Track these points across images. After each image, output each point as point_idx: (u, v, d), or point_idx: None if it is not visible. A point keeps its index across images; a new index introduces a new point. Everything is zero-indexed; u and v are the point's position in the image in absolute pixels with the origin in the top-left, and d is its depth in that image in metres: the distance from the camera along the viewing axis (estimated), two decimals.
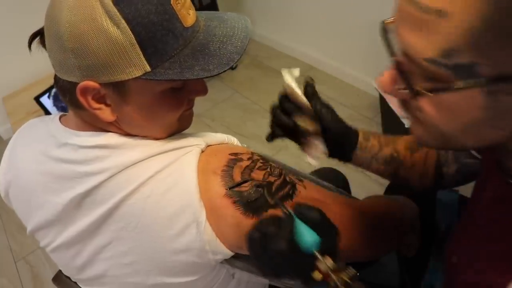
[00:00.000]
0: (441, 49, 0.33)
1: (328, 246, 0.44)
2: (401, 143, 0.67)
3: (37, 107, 1.89)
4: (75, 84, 0.49)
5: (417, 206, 0.74)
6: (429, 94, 0.36)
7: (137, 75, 0.48)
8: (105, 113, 0.51)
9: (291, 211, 0.45)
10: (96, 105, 0.50)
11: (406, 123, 1.37)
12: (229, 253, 0.53)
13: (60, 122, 0.58)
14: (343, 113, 2.39)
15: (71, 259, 0.59)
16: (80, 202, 0.53)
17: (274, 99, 0.73)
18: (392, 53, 0.39)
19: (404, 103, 0.42)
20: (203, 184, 0.50)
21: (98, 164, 0.51)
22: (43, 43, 0.52)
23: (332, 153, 0.68)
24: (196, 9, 0.53)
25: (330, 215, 0.56)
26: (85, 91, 0.49)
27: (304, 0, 2.23)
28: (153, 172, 0.50)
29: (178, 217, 0.50)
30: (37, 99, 1.88)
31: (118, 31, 0.45)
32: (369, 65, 2.04)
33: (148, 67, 0.47)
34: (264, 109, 2.24)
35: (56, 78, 0.52)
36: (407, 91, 0.38)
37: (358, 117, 2.04)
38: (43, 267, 1.71)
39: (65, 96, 0.52)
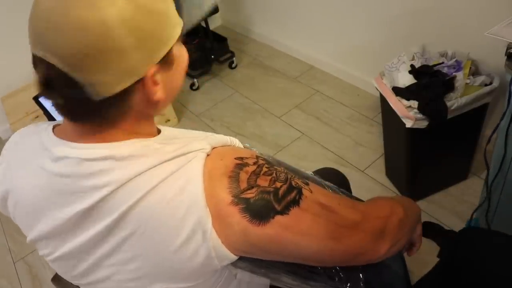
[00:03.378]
0: None
1: None
2: None
3: (36, 107, 1.87)
4: (134, 85, 0.48)
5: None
6: None
7: (179, 33, 0.51)
8: (159, 92, 0.51)
9: None
10: (156, 88, 0.51)
11: (407, 123, 1.37)
12: (234, 258, 0.53)
13: (54, 133, 0.56)
14: (343, 113, 2.38)
15: (72, 267, 0.58)
16: (84, 215, 0.52)
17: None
18: None
19: None
20: (209, 191, 0.50)
21: (103, 177, 0.50)
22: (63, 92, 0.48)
23: None
24: None
25: (335, 219, 0.56)
26: (154, 78, 0.49)
27: (305, 0, 2.23)
28: (158, 181, 0.50)
29: (184, 225, 0.50)
30: (36, 99, 1.86)
31: (161, 1, 0.47)
32: (369, 65, 2.04)
33: (181, 20, 0.50)
34: (264, 109, 2.24)
35: (71, 100, 0.49)
36: None
37: (358, 117, 2.04)
38: (42, 267, 1.70)
39: (90, 111, 0.49)
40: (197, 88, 2.52)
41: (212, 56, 2.47)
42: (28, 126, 0.62)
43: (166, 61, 0.50)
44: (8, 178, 0.59)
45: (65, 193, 0.52)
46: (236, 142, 0.62)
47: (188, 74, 2.57)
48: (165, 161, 0.51)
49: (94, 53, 0.44)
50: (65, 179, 0.51)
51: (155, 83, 0.50)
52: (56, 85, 0.47)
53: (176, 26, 0.51)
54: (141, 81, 0.48)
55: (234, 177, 0.51)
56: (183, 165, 0.51)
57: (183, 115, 2.35)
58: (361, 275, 0.67)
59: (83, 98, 0.47)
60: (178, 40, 0.51)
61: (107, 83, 0.46)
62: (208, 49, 2.44)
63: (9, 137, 0.63)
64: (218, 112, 2.32)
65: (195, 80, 2.49)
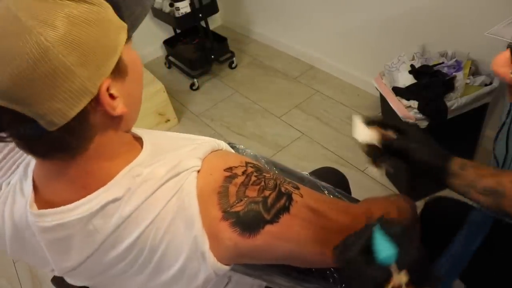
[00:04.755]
0: None
1: (405, 261, 0.44)
2: (509, 176, 0.63)
3: None
4: (88, 105, 0.43)
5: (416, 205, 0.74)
6: None
7: (125, 38, 0.46)
8: (120, 106, 0.47)
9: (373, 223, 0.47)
10: (115, 102, 0.46)
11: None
12: (228, 268, 0.54)
13: (34, 180, 0.53)
14: (343, 113, 2.37)
15: (77, 281, 0.60)
16: (90, 256, 0.53)
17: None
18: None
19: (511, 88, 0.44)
20: (204, 211, 0.50)
21: (105, 222, 0.50)
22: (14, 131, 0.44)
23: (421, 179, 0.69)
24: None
25: (325, 224, 0.56)
26: (110, 92, 0.45)
27: (305, 0, 2.23)
28: (158, 211, 0.50)
29: (183, 248, 0.51)
30: None
31: (96, 8, 0.43)
32: (369, 65, 2.04)
33: (124, 23, 0.46)
34: (264, 109, 2.24)
35: (32, 142, 0.45)
36: None
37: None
38: None
39: (53, 144, 0.45)
40: (197, 88, 2.52)
41: (212, 56, 2.47)
42: (3, 169, 0.59)
43: (119, 71, 0.46)
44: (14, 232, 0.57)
45: (71, 245, 0.52)
46: (223, 145, 0.61)
47: (188, 74, 2.57)
48: (159, 187, 0.50)
49: (35, 80, 0.39)
50: (71, 237, 0.51)
51: (113, 97, 0.45)
52: (5, 125, 0.42)
53: (120, 31, 0.45)
54: (95, 99, 0.44)
55: (223, 192, 0.51)
56: (178, 189, 0.51)
57: (183, 115, 2.35)
58: None
59: (39, 132, 0.42)
60: (126, 45, 0.47)
61: (58, 110, 0.41)
62: (208, 49, 2.44)
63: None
64: (218, 112, 2.31)
65: (195, 80, 2.49)
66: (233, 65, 2.62)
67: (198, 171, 0.53)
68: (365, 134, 0.68)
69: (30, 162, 0.56)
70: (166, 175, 0.50)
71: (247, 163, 0.56)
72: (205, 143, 0.57)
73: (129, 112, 0.50)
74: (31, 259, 0.59)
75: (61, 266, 0.55)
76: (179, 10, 2.24)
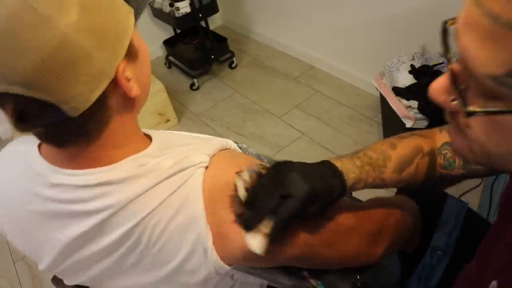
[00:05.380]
0: (509, 67, 0.28)
1: None
2: (389, 168, 0.62)
3: None
4: (107, 88, 0.45)
5: (418, 203, 0.74)
6: (484, 114, 0.33)
7: (133, 22, 0.47)
8: (135, 87, 0.48)
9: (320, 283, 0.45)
10: (130, 84, 0.47)
11: (407, 123, 1.37)
12: (229, 268, 0.54)
13: (41, 154, 0.53)
14: (343, 113, 2.38)
15: (73, 276, 0.59)
16: (86, 236, 0.52)
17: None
18: (449, 59, 0.34)
19: (452, 115, 0.39)
20: (210, 208, 0.50)
21: (100, 201, 0.49)
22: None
23: None
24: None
25: (330, 226, 0.56)
26: (125, 75, 0.46)
27: (305, 0, 2.24)
28: (158, 202, 0.49)
29: (185, 242, 0.50)
30: None
31: None
32: (369, 65, 2.04)
33: (129, 6, 0.47)
34: (264, 109, 2.24)
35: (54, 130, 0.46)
36: (459, 105, 0.34)
37: (358, 117, 2.04)
38: None
39: (73, 131, 0.46)
40: (197, 88, 2.52)
41: (212, 56, 2.47)
42: (11, 143, 0.59)
43: (131, 54, 0.47)
44: (2, 207, 0.57)
45: (63, 217, 0.51)
46: (231, 143, 0.61)
47: (188, 74, 2.58)
48: (164, 179, 0.50)
49: (58, 67, 0.40)
50: (63, 205, 0.50)
51: (128, 79, 0.47)
52: (31, 116, 0.43)
53: (128, 15, 0.47)
54: (113, 82, 0.45)
55: (236, 196, 0.51)
56: (182, 184, 0.50)
57: (183, 115, 2.35)
58: (358, 276, 0.67)
59: (62, 119, 0.44)
60: (134, 29, 0.48)
61: (81, 95, 0.43)
62: (208, 49, 2.44)
63: (10, 137, 0.63)
64: (218, 112, 2.32)
65: (195, 80, 2.49)
66: (233, 65, 2.62)
67: (206, 168, 0.53)
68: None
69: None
70: (172, 168, 0.51)
71: (258, 166, 0.56)
72: (214, 141, 0.58)
73: (141, 95, 0.51)
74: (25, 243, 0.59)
75: (53, 244, 0.54)
76: (179, 10, 2.24)
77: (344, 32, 2.11)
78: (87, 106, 0.44)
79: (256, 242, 0.47)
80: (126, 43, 0.46)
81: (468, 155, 0.40)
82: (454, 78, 0.34)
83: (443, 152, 0.64)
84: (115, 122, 0.49)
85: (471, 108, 0.33)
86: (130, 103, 0.51)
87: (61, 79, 0.41)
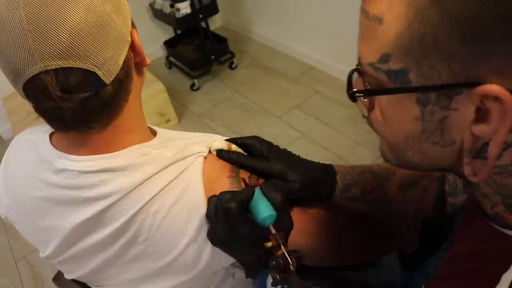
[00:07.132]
0: (379, 54, 0.34)
1: (283, 226, 0.47)
2: (392, 183, 0.62)
3: None
4: (128, 55, 0.48)
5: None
6: (365, 95, 0.39)
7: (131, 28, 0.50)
8: (145, 56, 0.52)
9: (253, 186, 0.49)
10: (142, 51, 0.51)
11: None
12: (234, 260, 0.54)
13: (51, 143, 0.54)
14: (343, 113, 2.36)
15: (76, 267, 0.60)
16: (88, 224, 0.52)
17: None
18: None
19: (367, 118, 0.43)
20: (210, 193, 0.51)
21: (103, 188, 0.50)
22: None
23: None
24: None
25: (333, 224, 0.57)
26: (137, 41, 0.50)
27: (305, 0, 2.24)
28: (158, 190, 0.50)
29: (187, 229, 0.51)
30: None
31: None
32: None
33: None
34: (264, 109, 2.24)
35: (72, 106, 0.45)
36: (363, 99, 0.40)
37: (358, 117, 2.04)
38: (43, 267, 1.71)
39: (103, 105, 0.47)
40: (197, 89, 2.53)
41: (212, 57, 2.47)
42: (23, 132, 0.61)
43: (133, 23, 0.50)
44: (11, 192, 0.58)
45: (68, 203, 0.52)
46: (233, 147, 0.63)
47: (189, 75, 2.58)
48: (164, 167, 0.51)
49: (89, 31, 0.42)
50: (67, 191, 0.51)
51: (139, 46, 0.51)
52: (73, 86, 0.44)
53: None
54: (131, 48, 0.48)
55: (234, 177, 0.53)
56: (182, 171, 0.51)
57: (184, 115, 2.36)
58: (359, 274, 0.68)
59: (99, 87, 0.45)
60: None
61: (111, 58, 0.45)
62: (208, 50, 2.45)
63: (11, 137, 0.63)
64: (218, 113, 2.32)
65: (195, 80, 2.50)
66: (233, 66, 2.63)
67: (205, 158, 0.54)
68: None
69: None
70: (172, 158, 0.52)
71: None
72: (215, 136, 0.60)
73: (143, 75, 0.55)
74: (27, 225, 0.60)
75: (58, 231, 0.54)
76: (179, 11, 2.25)
77: (344, 32, 2.12)
78: (117, 70, 0.46)
79: (219, 142, 0.56)
80: (129, 12, 0.49)
81: (387, 155, 0.43)
82: (361, 77, 0.40)
83: (448, 177, 0.62)
84: (129, 103, 0.51)
85: (354, 90, 0.40)
86: (141, 78, 0.54)
87: (94, 43, 0.43)
